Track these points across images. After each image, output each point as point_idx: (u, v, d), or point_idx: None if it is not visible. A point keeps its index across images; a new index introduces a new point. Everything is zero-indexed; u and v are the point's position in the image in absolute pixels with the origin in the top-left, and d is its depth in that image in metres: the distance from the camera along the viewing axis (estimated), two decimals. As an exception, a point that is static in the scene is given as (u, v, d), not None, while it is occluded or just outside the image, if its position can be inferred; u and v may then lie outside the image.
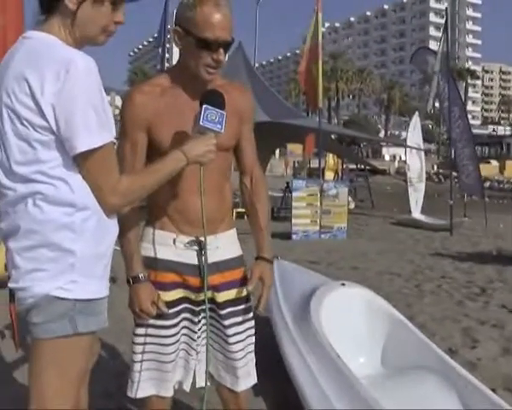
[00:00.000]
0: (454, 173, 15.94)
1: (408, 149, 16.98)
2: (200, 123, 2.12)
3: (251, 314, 2.54)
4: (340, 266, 8.83)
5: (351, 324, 3.72)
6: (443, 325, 5.77)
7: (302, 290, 4.11)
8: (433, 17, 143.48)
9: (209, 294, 2.38)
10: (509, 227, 14.16)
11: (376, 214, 17.49)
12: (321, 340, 3.31)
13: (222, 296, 2.43)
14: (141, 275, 2.33)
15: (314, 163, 21.76)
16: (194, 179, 2.21)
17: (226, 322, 2.44)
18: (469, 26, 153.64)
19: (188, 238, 2.37)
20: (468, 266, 9.22)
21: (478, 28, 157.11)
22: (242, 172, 2.57)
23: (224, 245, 2.46)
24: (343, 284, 3.96)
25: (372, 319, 3.78)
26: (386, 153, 65.82)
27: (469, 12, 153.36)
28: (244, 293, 2.49)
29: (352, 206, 18.51)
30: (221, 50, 2.22)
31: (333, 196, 12.77)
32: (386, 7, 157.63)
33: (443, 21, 14.62)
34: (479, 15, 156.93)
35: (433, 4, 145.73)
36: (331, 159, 23.32)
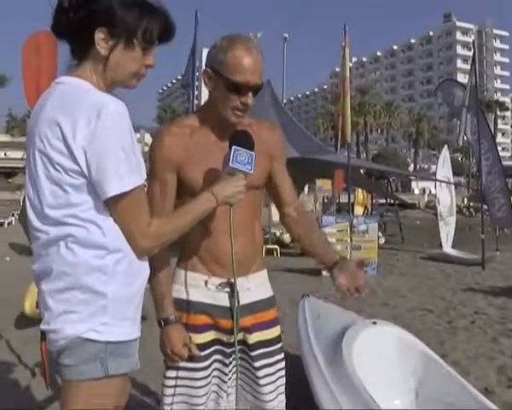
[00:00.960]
0: (485, 206, 15.74)
1: (438, 183, 16.86)
2: (230, 164, 2.13)
3: (282, 355, 2.52)
4: (370, 303, 8.73)
5: (383, 363, 3.66)
6: (477, 362, 5.66)
7: (333, 329, 4.07)
8: (460, 50, 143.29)
9: (240, 335, 2.38)
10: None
11: (407, 249, 17.29)
12: (353, 381, 3.26)
13: (253, 338, 2.42)
14: (172, 317, 2.32)
15: (343, 198, 21.68)
16: (225, 220, 2.23)
17: (257, 363, 2.42)
18: (497, 57, 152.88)
19: (219, 280, 2.37)
20: (502, 302, 9.04)
21: (506, 60, 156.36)
22: (283, 205, 2.58)
23: (256, 286, 2.45)
24: (374, 323, 3.91)
25: (405, 357, 3.72)
26: (416, 187, 65.50)
27: (497, 44, 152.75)
28: (275, 334, 2.48)
29: (382, 241, 18.32)
30: (250, 94, 2.24)
31: (363, 232, 12.70)
32: (412, 40, 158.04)
33: (470, 54, 14.62)
34: (506, 47, 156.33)
35: (459, 37, 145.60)
36: (360, 194, 23.22)
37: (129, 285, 1.90)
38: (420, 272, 12.62)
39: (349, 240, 12.49)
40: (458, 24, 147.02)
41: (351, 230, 12.50)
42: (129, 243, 1.88)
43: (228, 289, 2.36)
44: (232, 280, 2.32)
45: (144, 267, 1.98)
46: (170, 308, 2.33)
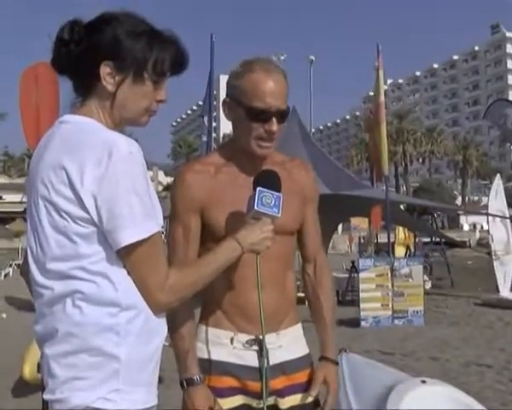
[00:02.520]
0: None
1: (490, 218, 16.75)
2: (255, 208, 2.14)
3: None
4: (417, 357, 8.61)
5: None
6: (547, 427, 5.54)
7: (376, 390, 4.01)
8: (510, 64, 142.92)
9: (272, 400, 2.36)
10: None
11: (457, 294, 17.10)
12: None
13: (286, 402, 2.40)
14: (196, 377, 2.31)
15: (382, 238, 21.55)
16: (253, 269, 2.22)
17: None
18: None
19: (246, 337, 2.36)
20: None
21: None
22: (305, 258, 2.61)
23: (288, 343, 2.44)
24: (423, 382, 3.85)
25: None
26: (465, 222, 64.91)
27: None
28: (311, 399, 2.45)
29: (429, 286, 18.19)
30: (274, 120, 2.26)
31: (406, 275, 12.60)
32: (455, 57, 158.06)
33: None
34: None
35: (510, 50, 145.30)
36: (401, 232, 23.12)
37: (144, 346, 1.89)
38: (474, 321, 12.46)
39: (390, 285, 12.40)
40: (508, 35, 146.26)
41: (392, 274, 12.41)
42: (144, 297, 1.88)
43: (256, 347, 2.35)
44: (261, 337, 2.30)
45: (161, 325, 1.97)
46: (194, 368, 2.32)
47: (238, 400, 2.37)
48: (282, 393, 2.39)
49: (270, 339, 2.33)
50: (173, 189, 2.39)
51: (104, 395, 1.82)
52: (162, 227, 1.95)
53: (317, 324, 2.56)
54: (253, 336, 2.35)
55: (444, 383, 3.96)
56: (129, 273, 1.87)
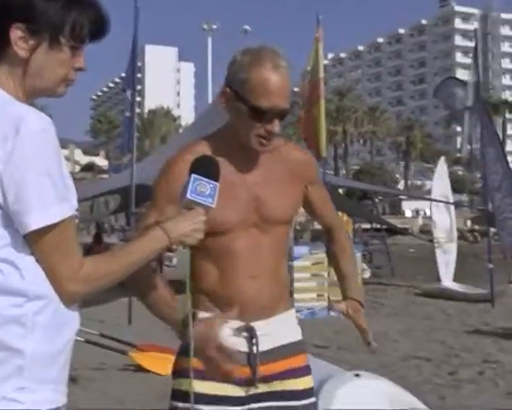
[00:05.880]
0: (493, 230, 15.98)
1: (433, 203, 17.09)
2: (188, 196, 2.13)
3: None
4: (353, 350, 8.74)
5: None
6: (487, 423, 5.73)
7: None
8: (459, 40, 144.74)
9: (264, 387, 2.44)
10: None
11: (397, 284, 17.45)
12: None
13: (276, 386, 2.46)
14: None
15: (319, 225, 21.78)
16: (245, 260, 2.38)
17: None
18: (505, 48, 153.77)
19: (237, 324, 2.41)
20: (517, 346, 9.17)
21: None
22: (328, 227, 2.83)
23: (280, 330, 2.51)
24: (357, 375, 3.94)
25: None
26: (408, 208, 65.99)
27: (505, 31, 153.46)
28: (307, 385, 2.53)
29: (368, 275, 18.48)
30: (276, 121, 2.32)
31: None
32: (401, 31, 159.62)
33: (472, 45, 14.93)
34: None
35: (459, 25, 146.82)
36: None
37: (53, 340, 1.87)
38: (414, 312, 12.78)
39: (326, 275, 12.53)
40: (457, 8, 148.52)
41: (328, 262, 12.49)
42: (54, 286, 1.85)
43: (246, 334, 2.43)
44: (251, 324, 2.41)
45: (73, 318, 1.95)
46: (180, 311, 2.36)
47: (225, 388, 2.40)
48: (272, 378, 2.46)
49: (260, 326, 2.42)
50: (159, 176, 2.45)
51: (5, 394, 1.79)
52: (76, 210, 1.93)
53: (338, 278, 2.81)
54: (243, 324, 2.42)
55: (378, 377, 4.06)
56: (38, 261, 1.84)
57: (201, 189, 2.15)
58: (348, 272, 2.76)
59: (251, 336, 2.42)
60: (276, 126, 2.32)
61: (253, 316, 2.41)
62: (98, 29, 2.01)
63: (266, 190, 2.43)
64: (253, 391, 2.43)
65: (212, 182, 2.18)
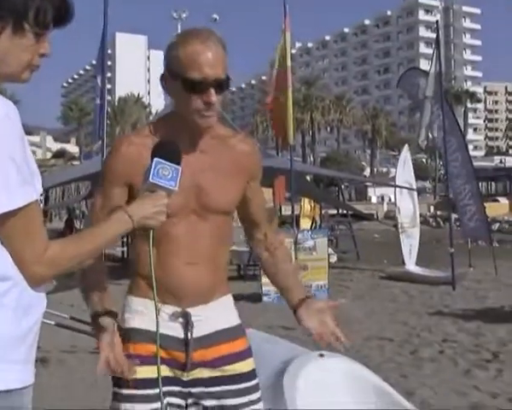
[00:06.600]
0: (454, 215, 16.14)
1: (398, 189, 17.20)
2: (150, 180, 2.13)
3: (258, 395, 2.55)
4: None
5: (332, 403, 3.70)
6: (447, 400, 5.78)
7: (274, 365, 4.09)
8: (423, 31, 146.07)
9: (198, 371, 2.43)
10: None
11: (363, 268, 17.60)
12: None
13: (216, 372, 2.46)
14: (101, 310, 2.41)
15: (286, 210, 21.88)
16: (184, 246, 2.39)
17: (227, 401, 2.45)
18: (467, 39, 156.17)
19: (173, 309, 2.43)
20: (476, 327, 9.29)
21: (477, 42, 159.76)
22: (254, 229, 2.73)
23: (217, 315, 2.51)
24: (321, 355, 3.95)
25: (358, 396, 3.76)
26: (373, 194, 66.51)
27: (466, 23, 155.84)
28: (247, 368, 2.52)
29: (334, 259, 18.58)
30: (211, 91, 2.29)
31: (310, 249, 12.82)
32: (366, 22, 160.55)
33: (435, 36, 15.00)
34: (478, 27, 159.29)
35: (422, 16, 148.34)
36: (307, 204, 23.46)
37: (20, 321, 1.87)
38: (378, 295, 12.90)
39: (294, 259, 12.55)
40: (421, 1, 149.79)
41: (295, 247, 12.55)
42: (19, 269, 1.84)
43: (182, 320, 2.43)
44: (187, 310, 2.42)
45: (40, 299, 1.95)
46: (101, 303, 2.42)
47: (163, 371, 2.37)
48: (211, 363, 2.46)
49: (198, 312, 2.42)
50: (106, 159, 2.50)
51: None
52: (41, 195, 1.92)
53: (277, 278, 2.73)
54: (179, 309, 2.43)
55: (341, 356, 4.06)
56: (3, 243, 1.83)
57: (164, 172, 2.15)
58: (292, 270, 2.74)
59: (186, 321, 2.42)
60: (212, 96, 2.29)
61: (190, 302, 2.41)
62: (62, 15, 1.97)
63: (209, 178, 2.42)
64: (192, 376, 2.43)
65: (174, 165, 2.18)
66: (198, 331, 2.42)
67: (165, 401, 2.38)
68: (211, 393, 2.46)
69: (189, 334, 2.40)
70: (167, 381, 2.40)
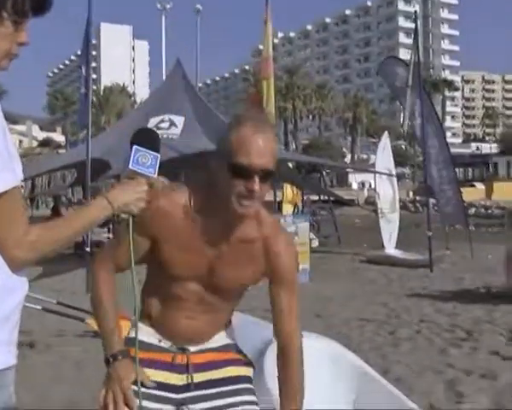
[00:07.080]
0: (432, 200, 16.21)
1: (377, 175, 17.25)
2: (130, 166, 2.15)
3: (252, 397, 2.57)
4: (301, 315, 8.85)
5: (313, 382, 3.72)
6: (423, 377, 5.83)
7: (255, 346, 4.11)
8: (402, 22, 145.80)
9: (197, 377, 2.46)
10: (499, 259, 14.43)
11: (344, 252, 17.65)
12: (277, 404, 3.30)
13: (207, 376, 2.50)
14: (120, 356, 2.36)
15: (269, 196, 21.88)
16: (191, 302, 2.41)
17: (218, 402, 2.47)
18: (445, 29, 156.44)
19: (171, 343, 2.50)
20: (452, 307, 9.40)
21: (455, 32, 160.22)
22: (276, 332, 2.70)
23: (214, 341, 2.56)
24: (301, 335, 3.97)
25: (338, 375, 3.78)
26: (354, 180, 66.60)
27: (444, 14, 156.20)
28: (247, 373, 2.58)
29: (316, 244, 18.62)
30: (256, 179, 2.21)
31: (292, 233, 12.83)
32: (347, 12, 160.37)
33: (414, 26, 15.03)
34: (456, 17, 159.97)
35: (401, 7, 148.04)
36: (289, 190, 23.45)
37: (2, 304, 1.86)
38: (359, 278, 12.98)
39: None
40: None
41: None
42: (0, 252, 1.85)
43: (180, 353, 2.49)
44: (186, 346, 2.48)
45: (21, 283, 1.94)
46: (118, 344, 2.37)
47: (169, 376, 2.44)
48: (203, 367, 2.50)
49: (196, 348, 2.49)
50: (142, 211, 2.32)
51: None
52: (22, 181, 1.91)
53: (280, 375, 2.66)
54: (177, 346, 2.49)
55: (321, 337, 4.10)
56: None
57: (143, 159, 2.17)
58: (296, 387, 2.69)
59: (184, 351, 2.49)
60: (255, 184, 2.21)
61: (186, 343, 2.48)
62: (41, 3, 1.95)
63: (225, 263, 2.38)
64: (187, 382, 2.46)
65: (153, 153, 2.19)
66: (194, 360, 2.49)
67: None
68: (204, 397, 2.47)
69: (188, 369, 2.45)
70: (166, 388, 2.44)
